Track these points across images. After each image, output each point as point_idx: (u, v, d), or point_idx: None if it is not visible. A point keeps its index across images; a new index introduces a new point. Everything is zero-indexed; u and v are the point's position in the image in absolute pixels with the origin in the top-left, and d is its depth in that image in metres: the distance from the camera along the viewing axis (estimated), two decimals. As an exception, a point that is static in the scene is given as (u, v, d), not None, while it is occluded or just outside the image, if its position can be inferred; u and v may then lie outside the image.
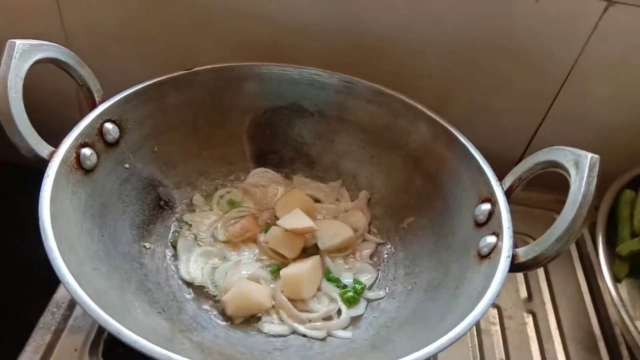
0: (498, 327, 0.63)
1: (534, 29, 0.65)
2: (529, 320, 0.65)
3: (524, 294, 0.67)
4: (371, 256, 0.60)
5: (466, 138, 0.57)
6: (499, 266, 0.45)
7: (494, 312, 0.65)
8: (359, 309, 0.54)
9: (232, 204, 0.62)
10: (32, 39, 0.70)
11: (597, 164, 0.43)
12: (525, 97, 0.73)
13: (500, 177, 0.52)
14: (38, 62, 0.47)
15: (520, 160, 0.79)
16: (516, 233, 0.69)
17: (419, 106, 0.60)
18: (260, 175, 0.65)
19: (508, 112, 0.75)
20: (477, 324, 0.63)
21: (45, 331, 0.54)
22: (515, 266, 0.45)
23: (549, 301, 0.67)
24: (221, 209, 0.62)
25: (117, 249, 0.51)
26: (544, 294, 0.67)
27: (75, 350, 0.54)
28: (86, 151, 0.50)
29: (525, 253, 0.45)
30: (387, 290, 0.57)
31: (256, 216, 0.61)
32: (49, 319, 0.55)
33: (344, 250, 0.59)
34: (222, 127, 0.64)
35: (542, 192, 0.74)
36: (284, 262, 0.56)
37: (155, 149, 0.59)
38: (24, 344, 0.53)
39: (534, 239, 0.70)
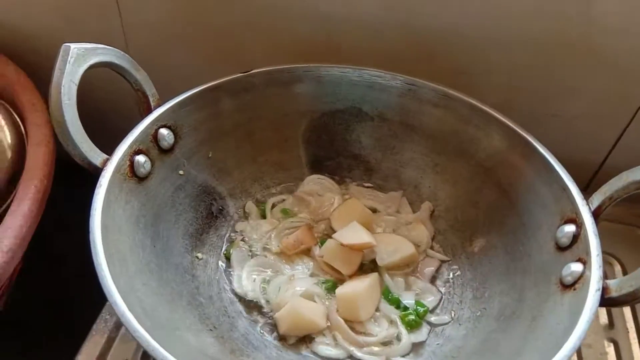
0: (575, 356, 0.58)
1: (617, 23, 0.58)
2: (610, 349, 0.58)
3: (604, 319, 0.61)
4: (434, 276, 0.56)
5: (546, 148, 0.51)
6: (587, 300, 0.39)
7: (570, 339, 0.59)
8: (421, 334, 0.50)
9: (286, 212, 0.59)
10: (91, 39, 0.71)
11: None
12: (605, 100, 0.66)
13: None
14: (93, 67, 0.46)
15: (598, 171, 0.73)
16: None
17: (491, 111, 0.55)
18: (316, 183, 0.62)
19: (584, 116, 0.68)
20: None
21: (97, 339, 0.54)
22: (606, 300, 0.40)
23: (633, 329, 0.60)
24: (275, 218, 0.59)
25: (169, 260, 0.49)
26: (628, 321, 0.61)
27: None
28: (140, 158, 0.48)
29: (618, 287, 0.40)
30: (453, 315, 0.52)
31: (311, 227, 0.57)
32: (101, 326, 0.54)
33: (405, 267, 0.55)
34: (278, 131, 0.61)
35: (626, 204, 0.67)
36: (340, 278, 0.53)
37: (210, 155, 0.57)
38: (77, 351, 0.53)
39: (617, 259, 0.66)
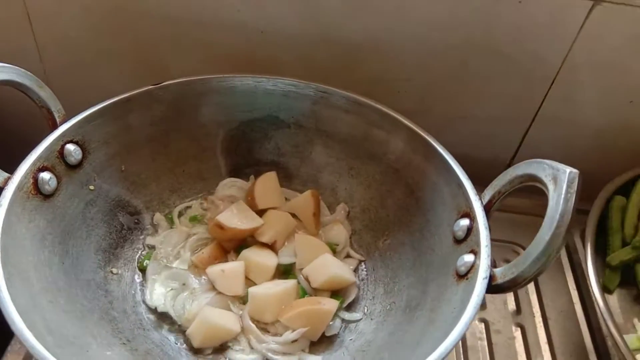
0: (485, 343, 0.61)
1: (519, 30, 0.63)
2: (518, 334, 0.62)
3: (512, 306, 0.65)
4: (351, 274, 0.58)
5: (445, 149, 0.54)
6: (474, 288, 0.42)
7: (481, 326, 0.63)
8: (334, 328, 0.52)
9: (195, 219, 0.60)
10: (5, 56, 0.69)
11: (577, 180, 0.40)
12: (511, 101, 0.71)
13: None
14: (-10, 85, 0.45)
15: (509, 166, 0.78)
16: (505, 242, 0.70)
17: (396, 115, 0.58)
18: (230, 186, 0.63)
19: (494, 116, 0.73)
20: (464, 339, 0.61)
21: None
22: (492, 287, 0.43)
23: (539, 314, 0.64)
24: (184, 226, 0.59)
25: (80, 276, 0.49)
26: (534, 306, 0.65)
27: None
28: (45, 175, 0.48)
29: (503, 274, 0.43)
30: (366, 310, 0.54)
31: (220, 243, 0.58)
32: (16, 347, 0.53)
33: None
34: (195, 142, 0.62)
35: (532, 198, 0.72)
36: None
37: (123, 168, 0.57)
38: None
39: (524, 248, 0.70)
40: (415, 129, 0.57)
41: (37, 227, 0.46)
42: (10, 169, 0.46)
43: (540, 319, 0.64)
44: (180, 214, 0.60)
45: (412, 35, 0.65)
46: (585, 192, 0.65)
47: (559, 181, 0.41)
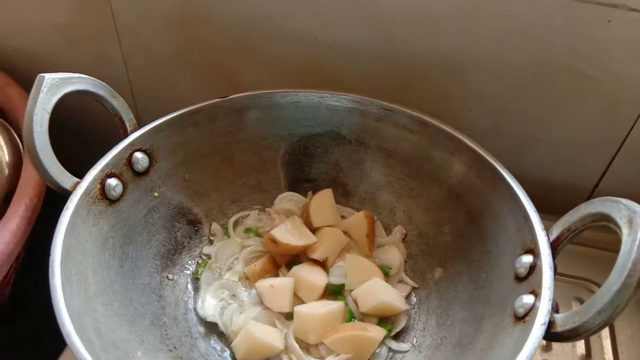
0: (548, 388, 0.57)
1: (605, 51, 0.58)
2: (586, 382, 0.57)
3: (581, 350, 0.59)
4: (401, 301, 0.55)
5: (512, 177, 0.51)
6: (530, 334, 0.39)
7: (545, 369, 0.58)
8: (379, 357, 0.50)
9: (250, 231, 0.61)
10: (91, 61, 0.74)
11: (655, 225, 0.36)
12: (595, 125, 0.65)
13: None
14: (67, 95, 0.48)
15: (590, 196, 0.72)
16: (579, 279, 0.65)
17: (461, 137, 0.56)
18: (288, 200, 0.63)
19: (573, 140, 0.67)
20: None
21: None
22: (551, 335, 0.39)
23: (612, 361, 0.58)
24: (239, 237, 0.60)
25: (136, 280, 0.51)
26: (606, 353, 0.59)
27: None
28: (112, 181, 0.50)
29: (564, 321, 0.39)
30: (415, 342, 0.52)
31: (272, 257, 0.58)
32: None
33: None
34: (257, 154, 0.63)
35: (612, 232, 0.66)
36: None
37: (187, 177, 0.59)
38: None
39: (598, 286, 0.64)
40: (481, 153, 0.54)
41: (100, 231, 0.48)
42: (80, 174, 0.49)
43: (613, 367, 0.58)
44: (236, 225, 0.61)
45: (485, 52, 0.61)
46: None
47: (635, 225, 0.37)
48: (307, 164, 0.64)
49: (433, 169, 0.59)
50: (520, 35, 0.59)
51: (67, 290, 0.40)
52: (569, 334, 0.38)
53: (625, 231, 0.37)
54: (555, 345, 0.60)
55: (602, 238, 0.66)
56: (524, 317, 0.42)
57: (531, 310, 0.42)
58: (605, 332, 0.61)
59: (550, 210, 0.51)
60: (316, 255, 0.56)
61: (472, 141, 0.55)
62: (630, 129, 0.64)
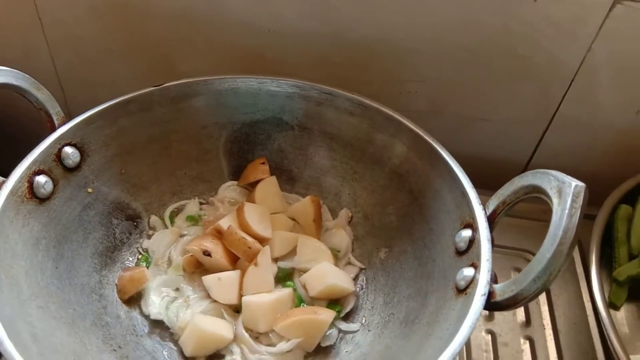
0: (491, 355, 0.59)
1: (535, 31, 0.60)
2: (526, 347, 0.60)
3: (521, 318, 0.62)
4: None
5: (450, 155, 0.52)
6: (471, 304, 0.40)
7: (487, 338, 0.60)
8: (330, 339, 0.51)
9: (192, 219, 0.59)
10: (17, 55, 0.70)
11: (582, 194, 0.38)
12: (527, 103, 0.68)
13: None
14: (-13, 88, 0.45)
15: (525, 169, 0.75)
16: (515, 249, 0.67)
17: (401, 118, 0.56)
18: (232, 189, 0.62)
19: (509, 118, 0.70)
20: (468, 352, 0.59)
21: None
22: (491, 305, 0.41)
23: (549, 326, 0.62)
24: (178, 227, 0.59)
25: (74, 281, 0.48)
26: (544, 318, 0.62)
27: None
28: (40, 179, 0.48)
29: (502, 291, 0.41)
30: (364, 321, 0.53)
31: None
32: None
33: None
34: (197, 144, 0.61)
35: (545, 203, 0.69)
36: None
37: (123, 171, 0.57)
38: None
39: (534, 255, 0.67)
40: (420, 133, 0.55)
41: (30, 232, 0.46)
42: (5, 173, 0.46)
43: (551, 331, 0.61)
44: (176, 215, 0.60)
45: (425, 35, 0.63)
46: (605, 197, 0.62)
47: (564, 195, 0.38)
48: (249, 151, 0.63)
49: (375, 151, 0.59)
50: (457, 18, 0.60)
51: (-3, 296, 0.38)
52: (508, 302, 0.40)
53: (555, 201, 0.39)
54: (497, 314, 0.62)
55: (536, 209, 0.69)
56: (466, 290, 0.43)
57: (472, 282, 0.43)
58: (543, 299, 0.64)
59: (488, 187, 0.53)
60: (275, 253, 0.55)
61: (410, 122, 0.56)
62: (559, 105, 0.67)
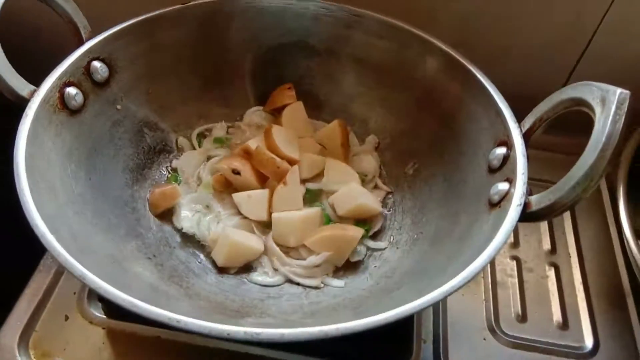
0: (516, 280, 0.60)
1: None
2: (551, 273, 0.60)
3: (547, 245, 0.63)
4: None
5: (483, 74, 0.51)
6: (507, 215, 0.40)
7: (512, 263, 0.61)
8: (358, 254, 0.51)
9: (219, 141, 0.59)
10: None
11: (627, 100, 0.37)
12: (562, 30, 0.65)
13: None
14: (15, -4, 0.44)
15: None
16: (537, 180, 0.67)
17: (433, 40, 0.55)
18: (258, 114, 0.61)
19: (543, 46, 0.67)
20: (493, 275, 0.59)
21: (44, 274, 0.55)
22: (526, 215, 0.41)
23: (575, 254, 0.62)
24: (207, 148, 0.59)
25: (106, 192, 0.49)
26: (570, 246, 0.63)
27: (74, 293, 0.54)
28: (71, 90, 0.47)
29: (538, 201, 0.41)
30: (392, 239, 0.53)
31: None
32: (48, 262, 0.55)
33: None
34: (223, 67, 0.60)
35: (569, 135, 0.67)
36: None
37: (150, 90, 0.56)
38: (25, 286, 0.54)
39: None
40: (453, 54, 0.53)
41: (63, 141, 0.46)
42: (37, 83, 0.46)
43: (576, 258, 0.62)
44: (204, 137, 0.60)
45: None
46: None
47: (608, 102, 0.37)
48: (275, 76, 0.62)
49: (404, 75, 0.58)
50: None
51: (36, 196, 0.38)
52: (545, 211, 0.40)
53: (598, 110, 0.38)
54: (523, 242, 0.63)
55: (562, 142, 0.68)
56: (499, 203, 0.43)
57: (506, 195, 0.43)
58: (569, 227, 0.64)
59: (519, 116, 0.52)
60: (304, 175, 0.55)
61: (442, 42, 0.54)
62: (594, 33, 0.65)
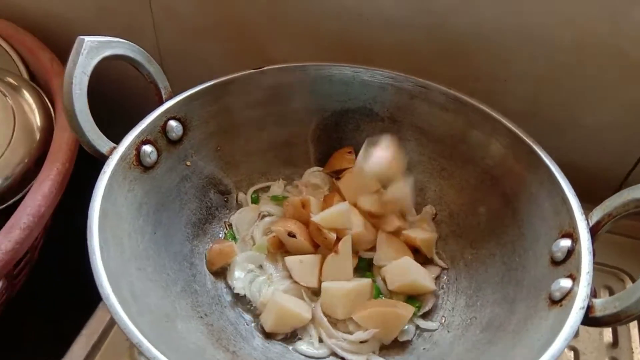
0: (573, 374, 0.56)
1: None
2: (612, 369, 0.57)
3: (608, 338, 0.59)
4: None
5: (551, 158, 0.50)
6: (568, 317, 0.38)
7: (570, 354, 0.58)
8: (407, 334, 0.50)
9: (276, 199, 0.60)
10: (122, 30, 0.74)
11: None
12: (633, 110, 0.63)
13: (598, 202, 0.45)
14: (106, 59, 0.48)
15: (623, 183, 0.71)
16: (609, 267, 0.64)
17: (500, 117, 0.54)
18: (316, 175, 0.62)
19: (612, 125, 0.65)
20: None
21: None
22: (589, 320, 0.39)
23: (638, 350, 0.58)
24: (260, 206, 0.60)
25: (169, 248, 0.51)
26: (634, 342, 0.59)
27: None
28: (147, 148, 0.50)
29: (603, 306, 0.39)
30: (443, 321, 0.52)
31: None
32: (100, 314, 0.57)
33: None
34: (288, 128, 0.62)
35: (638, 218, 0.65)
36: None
37: (219, 148, 0.59)
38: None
39: (631, 277, 0.63)
40: (519, 134, 0.53)
41: (134, 197, 0.49)
42: (114, 140, 0.49)
43: (640, 357, 0.57)
44: (261, 193, 0.61)
45: (525, 32, 0.60)
46: None
47: (687, 211, 0.36)
48: (337, 139, 0.63)
49: (467, 149, 0.58)
50: (563, 15, 0.57)
51: (105, 253, 0.40)
52: (610, 319, 0.38)
53: (674, 218, 0.36)
54: (583, 332, 0.59)
55: (634, 227, 0.65)
56: (561, 301, 0.41)
57: (568, 294, 0.41)
58: (634, 322, 0.60)
59: (581, 198, 0.50)
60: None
61: (510, 121, 0.54)
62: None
